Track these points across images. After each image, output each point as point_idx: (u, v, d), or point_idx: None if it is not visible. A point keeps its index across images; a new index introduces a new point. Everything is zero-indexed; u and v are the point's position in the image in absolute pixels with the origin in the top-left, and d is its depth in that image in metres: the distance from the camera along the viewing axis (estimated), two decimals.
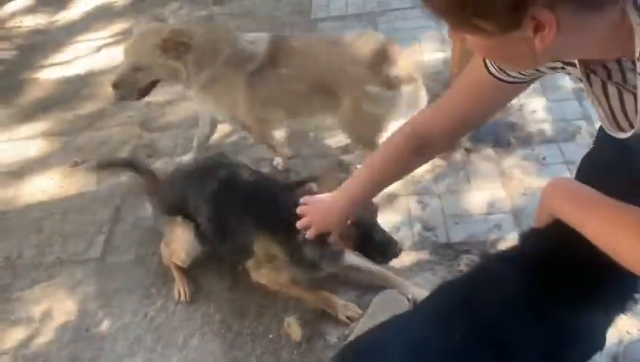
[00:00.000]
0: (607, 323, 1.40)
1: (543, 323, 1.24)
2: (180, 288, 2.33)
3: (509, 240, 2.42)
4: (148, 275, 2.46)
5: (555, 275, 1.24)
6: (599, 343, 1.41)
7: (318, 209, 1.68)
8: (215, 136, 3.06)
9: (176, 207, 2.28)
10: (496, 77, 1.21)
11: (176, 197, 2.29)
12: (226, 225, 2.15)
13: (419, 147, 1.43)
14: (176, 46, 2.26)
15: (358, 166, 2.06)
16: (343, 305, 2.14)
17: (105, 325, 2.29)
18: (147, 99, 3.49)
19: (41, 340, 2.27)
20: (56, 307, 2.38)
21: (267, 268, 2.13)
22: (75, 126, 3.45)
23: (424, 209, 2.62)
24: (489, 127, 2.99)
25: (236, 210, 2.12)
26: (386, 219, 2.56)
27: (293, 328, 2.13)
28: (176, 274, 2.35)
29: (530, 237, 1.33)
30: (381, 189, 1.63)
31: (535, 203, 2.50)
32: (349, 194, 1.60)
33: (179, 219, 2.25)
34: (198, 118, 3.30)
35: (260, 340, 2.17)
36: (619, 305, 1.31)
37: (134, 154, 3.12)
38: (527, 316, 1.25)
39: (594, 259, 1.02)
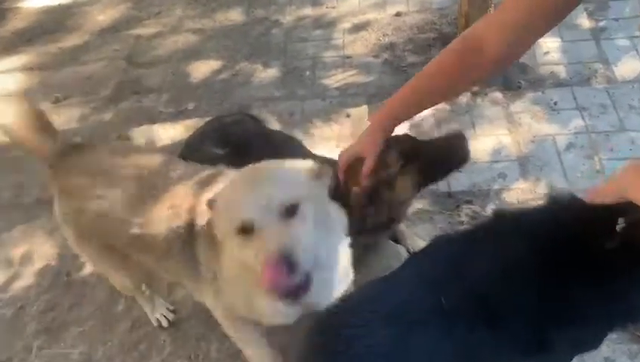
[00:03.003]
0: (609, 328, 1.27)
1: (542, 298, 1.13)
2: None
3: (514, 190, 2.29)
4: None
5: (588, 255, 1.11)
6: (594, 343, 1.29)
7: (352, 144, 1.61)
8: None
9: None
10: None
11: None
12: None
13: (470, 53, 1.28)
14: None
15: None
16: None
17: (86, 270, 2.19)
18: (137, 31, 3.33)
19: (20, 284, 2.18)
20: (35, 250, 2.27)
21: None
22: (58, 59, 3.24)
23: None
24: None
25: None
26: None
27: None
28: None
29: (572, 208, 1.19)
30: (423, 107, 1.51)
31: (544, 151, 2.42)
32: (388, 107, 1.51)
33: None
34: (189, 53, 3.12)
35: None
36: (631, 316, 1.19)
37: (119, 89, 2.93)
38: (527, 286, 1.13)
39: None
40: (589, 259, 1.11)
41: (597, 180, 2.27)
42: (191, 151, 2.12)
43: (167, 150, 2.57)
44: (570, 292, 1.13)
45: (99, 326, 2.02)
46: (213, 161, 2.04)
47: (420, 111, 1.57)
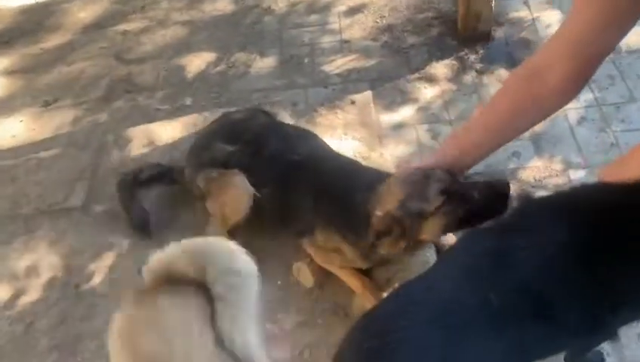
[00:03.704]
0: None
1: (594, 282, 1.09)
2: None
3: (530, 168, 2.25)
4: None
5: (625, 236, 1.07)
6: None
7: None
8: None
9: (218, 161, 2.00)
10: None
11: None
12: (293, 200, 1.89)
13: (533, 86, 1.20)
14: None
15: None
16: None
17: (96, 280, 2.09)
18: (123, 27, 3.19)
19: (27, 299, 2.07)
20: (40, 262, 2.17)
21: (322, 250, 1.90)
22: (42, 61, 3.10)
23: (435, 138, 2.41)
24: (501, 45, 2.74)
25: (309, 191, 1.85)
26: (395, 151, 2.36)
27: (304, 274, 1.95)
28: None
29: (604, 190, 1.14)
30: (496, 146, 1.42)
31: (556, 127, 2.37)
32: (454, 152, 1.43)
33: (235, 170, 1.96)
34: (179, 47, 3.01)
35: (267, 287, 2.00)
36: None
37: (111, 89, 2.81)
38: (576, 275, 1.09)
39: None
40: (634, 236, 1.07)
41: (612, 153, 2.24)
42: (200, 149, 2.04)
43: (168, 149, 2.48)
44: (620, 273, 1.09)
45: None
46: (224, 158, 1.97)
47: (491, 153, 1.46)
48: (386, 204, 1.52)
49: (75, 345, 1.93)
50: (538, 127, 2.37)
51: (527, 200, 1.27)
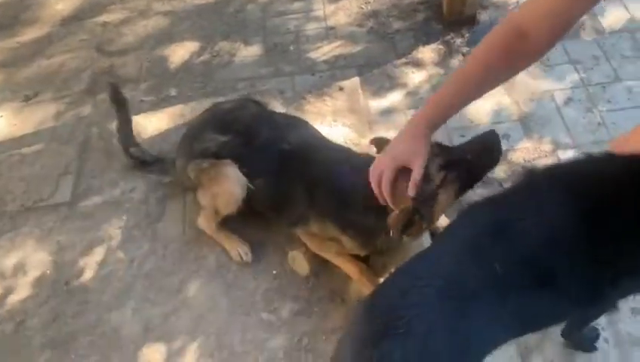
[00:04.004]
0: None
1: (596, 254, 1.09)
2: (237, 249, 2.03)
3: (520, 150, 2.26)
4: (128, 217, 2.20)
5: (629, 207, 1.07)
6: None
7: (390, 149, 1.46)
8: None
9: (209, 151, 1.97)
10: None
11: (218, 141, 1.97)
12: (287, 191, 1.87)
13: (513, 41, 1.17)
14: None
15: None
16: None
17: (86, 276, 2.05)
18: (102, 18, 3.13)
19: (16, 297, 2.02)
20: (28, 259, 2.12)
21: (318, 238, 1.89)
22: (19, 55, 3.01)
23: None
24: (487, 28, 2.74)
25: (303, 179, 1.84)
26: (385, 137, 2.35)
27: (299, 262, 1.94)
28: (222, 235, 2.06)
29: (606, 161, 1.14)
30: (470, 99, 1.35)
31: (544, 108, 2.39)
32: (430, 107, 1.37)
33: (227, 160, 1.92)
34: (162, 37, 2.95)
35: (263, 277, 1.99)
36: None
37: (94, 81, 2.75)
38: (579, 245, 1.09)
39: None
40: (637, 208, 1.07)
41: (600, 133, 2.26)
42: (191, 140, 2.00)
43: (156, 142, 2.44)
44: (621, 245, 1.09)
45: (109, 333, 1.91)
46: (216, 148, 1.94)
47: (465, 105, 1.38)
48: (399, 204, 1.51)
49: (68, 342, 1.89)
50: (526, 108, 2.40)
51: (528, 172, 1.27)
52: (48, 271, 2.08)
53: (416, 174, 1.42)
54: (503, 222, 1.14)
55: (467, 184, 1.59)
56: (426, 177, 1.47)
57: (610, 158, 1.16)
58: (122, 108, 2.23)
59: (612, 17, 2.71)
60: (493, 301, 1.07)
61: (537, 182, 1.22)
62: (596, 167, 1.18)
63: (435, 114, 1.38)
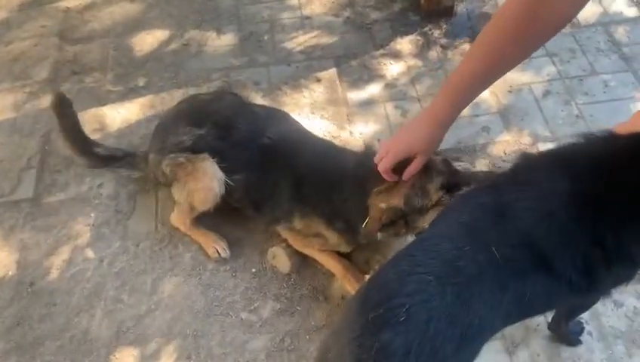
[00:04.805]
0: None
1: (594, 237, 1.08)
2: (213, 245, 1.94)
3: (500, 143, 2.25)
4: (96, 213, 2.08)
5: (629, 189, 1.06)
6: (633, 278, 1.26)
7: (401, 133, 1.44)
8: None
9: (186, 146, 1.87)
10: None
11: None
12: (268, 186, 1.80)
13: (534, 10, 1.07)
14: None
15: None
16: None
17: (52, 276, 1.94)
18: (64, 3, 2.96)
19: None
20: None
21: (301, 234, 1.82)
22: None
23: (404, 115, 2.36)
24: (464, 19, 2.72)
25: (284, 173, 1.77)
26: (364, 129, 2.30)
27: (280, 259, 1.88)
28: (197, 232, 1.97)
29: (606, 141, 1.12)
30: (490, 82, 1.27)
31: (522, 100, 2.38)
32: (447, 93, 1.28)
33: (205, 154, 1.83)
34: (129, 25, 2.82)
35: (241, 275, 1.91)
36: None
37: (56, 70, 2.60)
38: (576, 227, 1.08)
39: None
40: (635, 193, 1.06)
41: (578, 126, 2.27)
42: (165, 133, 1.90)
43: (125, 134, 2.33)
44: (619, 231, 1.08)
45: (79, 337, 1.80)
46: (192, 141, 1.85)
47: (484, 90, 1.30)
48: (390, 199, 1.49)
49: (34, 347, 1.78)
50: (505, 101, 2.39)
51: (524, 156, 1.25)
52: (11, 272, 1.95)
53: (415, 166, 1.41)
54: (502, 205, 1.13)
55: None
56: (423, 191, 1.48)
57: (610, 138, 1.14)
58: (68, 120, 2.06)
59: (586, 11, 2.71)
60: (493, 286, 1.06)
61: (537, 165, 1.21)
62: (596, 147, 1.16)
63: (454, 100, 1.29)
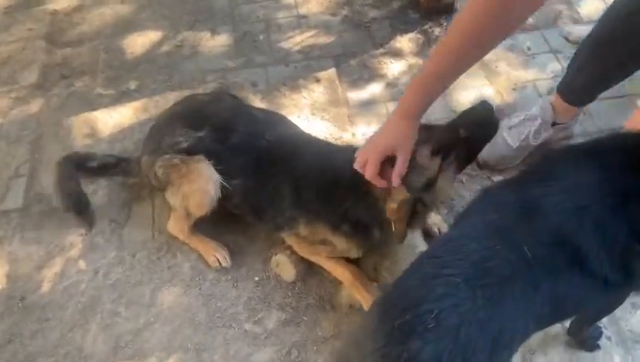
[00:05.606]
0: None
1: (630, 230, 1.04)
2: (213, 254, 1.85)
3: None
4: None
5: None
6: None
7: (375, 137, 1.41)
8: None
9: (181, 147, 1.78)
10: None
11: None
12: (268, 192, 1.72)
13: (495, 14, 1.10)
14: None
15: None
16: None
17: (44, 290, 1.84)
18: (51, 6, 2.87)
19: None
20: None
21: (307, 241, 1.74)
22: None
23: None
24: None
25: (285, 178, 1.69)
26: (367, 130, 2.23)
27: (284, 267, 1.80)
28: (196, 240, 1.88)
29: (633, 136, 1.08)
30: (460, 72, 1.28)
31: (527, 98, 2.32)
32: (417, 85, 1.30)
33: (200, 156, 1.74)
34: (120, 26, 2.73)
35: (244, 284, 1.83)
36: None
37: (45, 75, 2.50)
38: (610, 221, 1.05)
39: None
40: None
41: (586, 124, 2.21)
42: (160, 134, 1.82)
43: (118, 139, 2.24)
44: None
45: (74, 354, 1.71)
46: (188, 143, 1.77)
47: (455, 79, 1.31)
48: (395, 196, 1.42)
49: None
50: (509, 98, 2.33)
51: (547, 152, 1.21)
52: (0, 287, 1.85)
53: (399, 166, 1.36)
54: (530, 202, 1.09)
55: (465, 161, 1.52)
56: (416, 167, 1.41)
57: (634, 133, 1.13)
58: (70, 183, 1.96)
59: (589, 6, 2.67)
60: (526, 287, 1.01)
61: (561, 160, 1.18)
62: (621, 141, 1.14)
63: (424, 90, 1.31)
